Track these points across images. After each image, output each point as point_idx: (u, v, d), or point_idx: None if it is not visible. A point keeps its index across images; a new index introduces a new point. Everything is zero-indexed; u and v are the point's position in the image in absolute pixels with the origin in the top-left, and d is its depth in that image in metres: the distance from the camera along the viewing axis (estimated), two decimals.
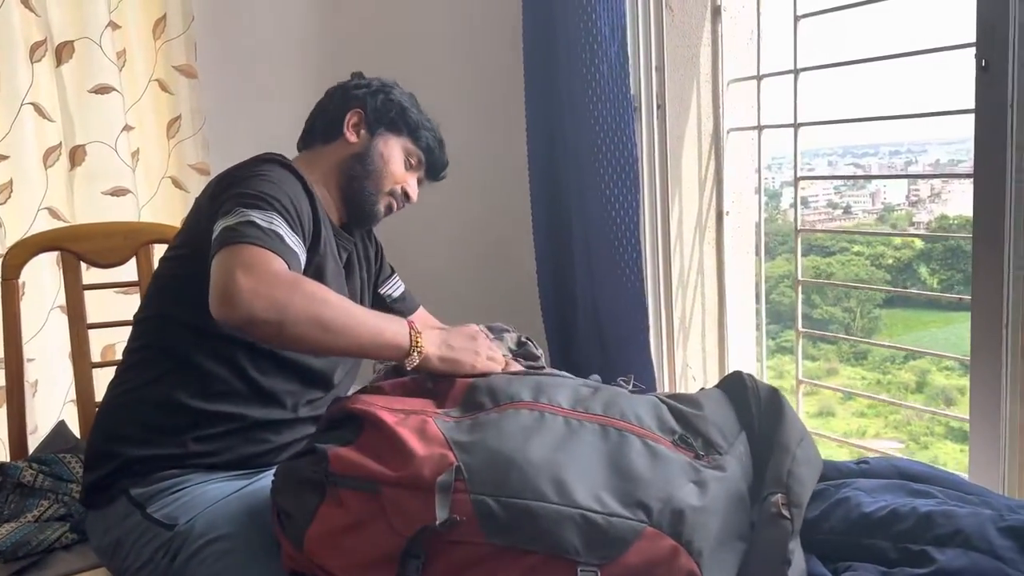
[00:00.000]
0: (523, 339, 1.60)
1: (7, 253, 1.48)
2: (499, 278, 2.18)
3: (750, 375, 1.11)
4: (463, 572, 0.89)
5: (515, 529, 0.87)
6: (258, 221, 1.04)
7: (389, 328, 1.06)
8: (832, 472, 1.08)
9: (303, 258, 1.11)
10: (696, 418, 1.03)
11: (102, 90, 1.88)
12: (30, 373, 1.77)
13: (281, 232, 1.06)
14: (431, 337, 1.09)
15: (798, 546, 0.93)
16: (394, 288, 1.50)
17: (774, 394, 1.07)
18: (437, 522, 0.86)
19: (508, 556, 0.87)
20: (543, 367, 1.53)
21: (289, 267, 1.03)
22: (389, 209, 1.34)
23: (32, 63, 1.81)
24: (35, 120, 1.83)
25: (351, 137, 1.31)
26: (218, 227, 1.05)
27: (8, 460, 1.42)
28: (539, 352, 1.56)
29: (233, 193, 1.10)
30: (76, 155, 1.90)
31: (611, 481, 0.91)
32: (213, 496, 1.10)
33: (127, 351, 1.21)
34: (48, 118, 1.85)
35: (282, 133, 1.99)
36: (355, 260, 1.37)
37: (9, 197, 1.81)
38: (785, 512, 0.92)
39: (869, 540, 0.94)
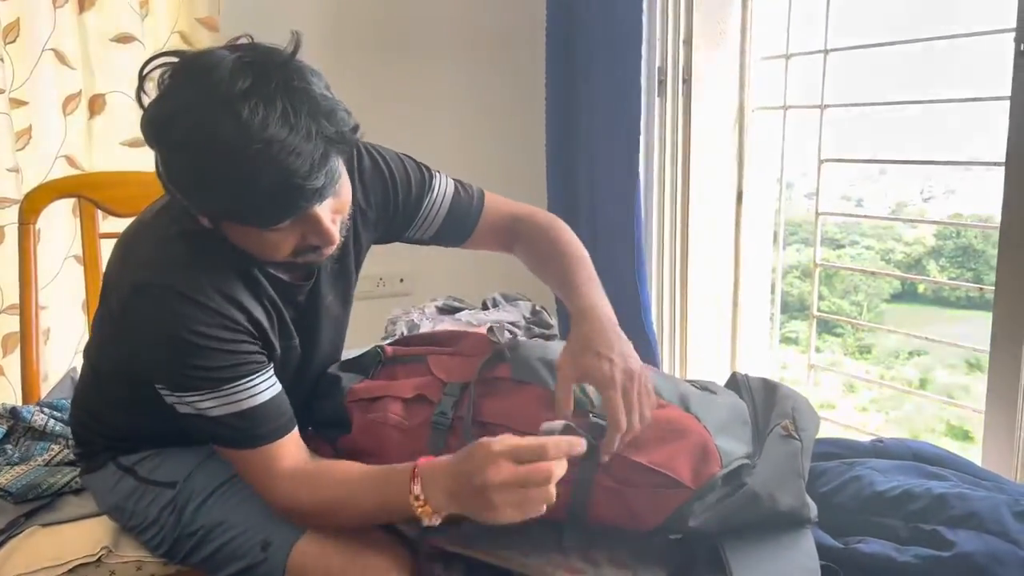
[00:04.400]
0: (537, 308, 1.60)
1: (26, 197, 1.48)
2: None
3: (743, 373, 1.16)
4: (491, 398, 1.02)
5: (535, 370, 1.02)
6: (214, 412, 0.95)
7: (389, 509, 0.94)
8: (845, 451, 1.08)
9: (264, 377, 0.98)
10: (703, 382, 1.12)
11: (124, 39, 1.86)
12: (41, 321, 1.77)
13: (246, 406, 0.95)
14: (438, 495, 0.88)
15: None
16: (425, 226, 1.17)
17: (766, 379, 1.13)
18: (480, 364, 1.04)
19: (527, 389, 1.01)
20: (555, 335, 1.53)
21: (260, 439, 0.97)
22: (305, 264, 0.99)
23: (55, 8, 1.79)
24: (56, 67, 1.82)
25: (203, 220, 0.93)
26: (182, 407, 0.96)
27: (20, 404, 1.43)
28: (552, 322, 1.57)
29: (160, 379, 0.96)
30: (95, 104, 1.89)
31: None
32: (201, 452, 1.11)
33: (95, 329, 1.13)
34: (69, 66, 1.83)
35: None
36: (325, 280, 1.09)
37: (28, 143, 1.80)
38: (794, 434, 0.97)
39: (880, 518, 0.94)
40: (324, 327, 1.10)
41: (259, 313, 0.98)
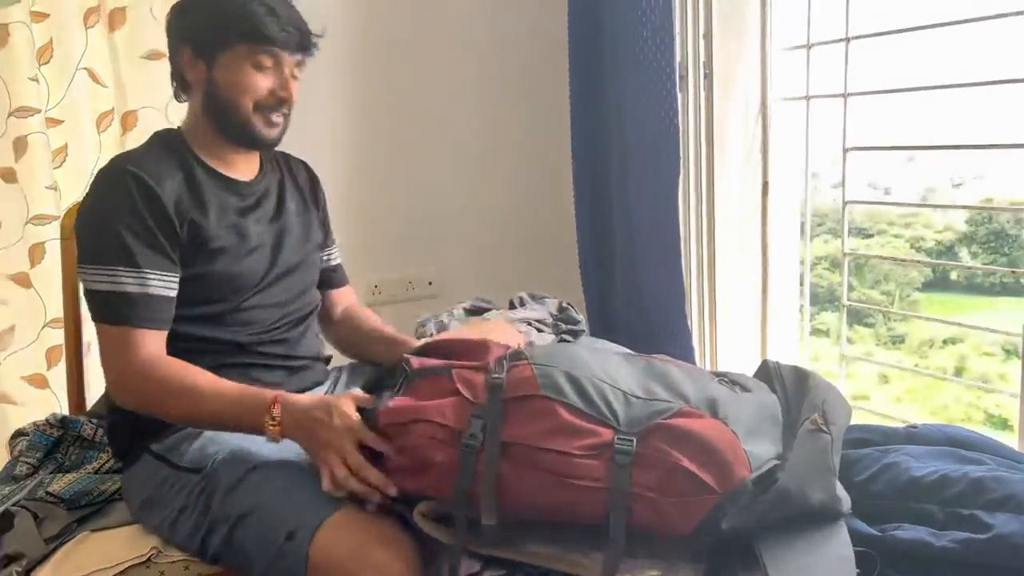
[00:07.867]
0: (564, 304, 1.61)
1: (68, 214, 1.52)
2: (540, 245, 2.19)
3: (775, 361, 1.16)
4: (516, 415, 0.99)
5: (564, 385, 0.99)
6: (101, 287, 1.13)
7: (237, 417, 1.11)
8: (880, 437, 1.08)
9: (160, 277, 1.15)
10: (733, 376, 1.11)
11: (153, 56, 1.91)
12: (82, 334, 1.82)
13: (125, 288, 1.12)
14: (289, 423, 1.08)
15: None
16: (329, 257, 1.47)
17: (797, 368, 1.13)
18: (497, 370, 1.02)
19: (549, 406, 0.98)
20: (583, 331, 1.54)
21: (135, 320, 1.12)
22: (272, 124, 1.23)
23: (86, 28, 1.84)
24: (89, 85, 1.87)
25: (194, 77, 1.22)
26: (80, 285, 1.18)
27: (67, 414, 1.47)
28: (580, 317, 1.58)
29: (79, 245, 1.18)
30: (128, 120, 1.93)
31: (653, 381, 1.03)
32: (227, 439, 1.15)
33: None
34: (101, 84, 1.88)
35: (325, 104, 1.98)
36: (276, 195, 1.33)
37: (64, 161, 1.85)
38: (824, 428, 0.96)
39: (917, 504, 0.93)
40: (290, 232, 1.30)
41: (191, 199, 1.18)
